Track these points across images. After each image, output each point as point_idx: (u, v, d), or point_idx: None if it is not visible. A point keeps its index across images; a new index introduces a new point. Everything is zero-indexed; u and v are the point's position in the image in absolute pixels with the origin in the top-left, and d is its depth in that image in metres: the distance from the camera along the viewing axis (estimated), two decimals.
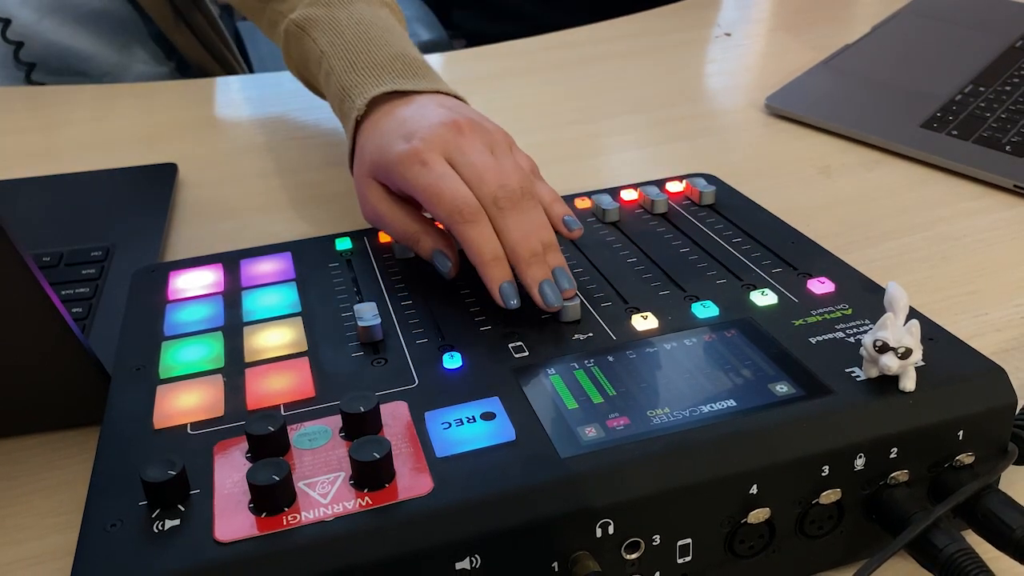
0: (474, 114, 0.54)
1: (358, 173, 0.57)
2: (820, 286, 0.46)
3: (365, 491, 0.35)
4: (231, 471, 0.36)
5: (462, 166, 0.49)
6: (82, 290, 0.58)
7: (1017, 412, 0.40)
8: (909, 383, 0.38)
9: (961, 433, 0.38)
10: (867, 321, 0.43)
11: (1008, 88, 0.84)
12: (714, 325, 0.44)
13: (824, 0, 1.17)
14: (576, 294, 0.46)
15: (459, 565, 0.34)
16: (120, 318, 0.48)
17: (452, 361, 0.42)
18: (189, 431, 0.39)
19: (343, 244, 0.54)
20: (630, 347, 0.42)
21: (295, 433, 0.38)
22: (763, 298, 0.46)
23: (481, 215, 0.47)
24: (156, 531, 0.34)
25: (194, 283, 0.51)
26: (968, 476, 0.38)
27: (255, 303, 0.49)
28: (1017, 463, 0.40)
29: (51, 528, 0.43)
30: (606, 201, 0.56)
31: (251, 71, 1.20)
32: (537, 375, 0.41)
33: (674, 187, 0.59)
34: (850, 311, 0.44)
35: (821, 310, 0.44)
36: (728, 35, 1.07)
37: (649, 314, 0.45)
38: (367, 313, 0.45)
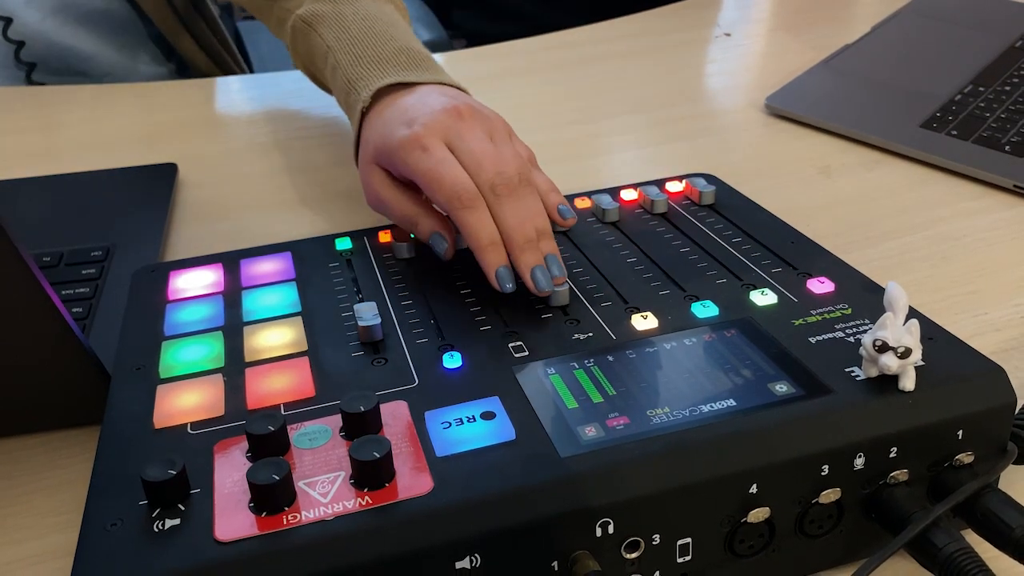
0: (475, 102, 0.55)
1: (362, 160, 0.58)
2: (820, 286, 0.46)
3: (365, 490, 0.35)
4: (231, 470, 0.36)
5: (461, 152, 0.50)
6: (82, 290, 0.58)
7: (1017, 412, 0.40)
8: (909, 383, 0.38)
9: (961, 433, 0.38)
10: (867, 321, 0.43)
11: (1008, 88, 0.84)
12: (714, 325, 0.44)
13: (824, 0, 1.17)
14: (566, 281, 0.48)
15: (459, 564, 0.34)
16: (120, 318, 0.49)
17: (452, 361, 0.42)
18: (189, 431, 0.39)
19: (343, 244, 0.54)
20: (630, 347, 0.42)
21: (295, 433, 0.38)
22: (763, 298, 0.46)
23: (479, 201, 0.48)
24: (156, 530, 0.34)
25: (194, 283, 0.51)
26: (968, 475, 0.38)
27: (255, 303, 0.49)
28: (1017, 462, 0.40)
29: (51, 528, 0.43)
30: (606, 201, 0.56)
31: (251, 71, 1.20)
32: (537, 375, 0.41)
33: (674, 187, 0.59)
34: (850, 311, 0.44)
35: (821, 310, 0.44)
36: (728, 35, 1.07)
37: (649, 314, 0.45)
38: (367, 313, 0.45)
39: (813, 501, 0.37)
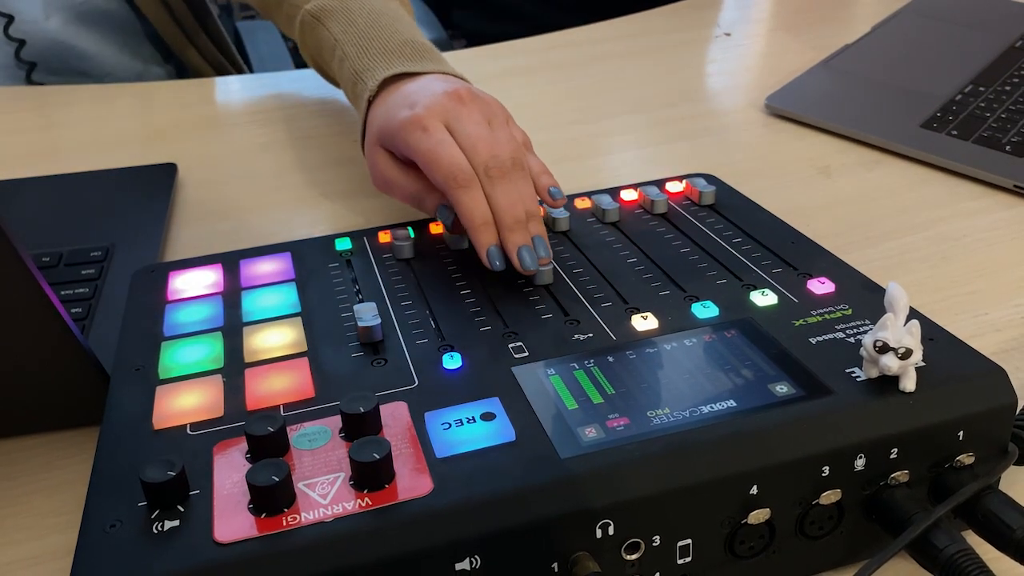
0: (475, 88, 0.57)
1: (368, 144, 0.61)
2: (820, 286, 0.46)
3: (365, 492, 0.35)
4: (231, 472, 0.36)
5: (459, 134, 0.53)
6: (82, 290, 0.58)
7: (1017, 412, 0.40)
8: (909, 383, 0.38)
9: (961, 433, 0.38)
10: (867, 321, 0.43)
11: (1008, 88, 0.83)
12: (714, 325, 0.44)
13: (824, 0, 1.16)
14: (551, 262, 0.50)
15: (459, 566, 0.34)
16: (119, 318, 0.48)
17: (452, 361, 0.42)
18: (188, 431, 0.39)
19: (343, 244, 0.54)
20: (630, 347, 0.42)
21: (295, 434, 0.38)
22: (763, 298, 0.46)
23: (474, 182, 0.51)
24: (155, 532, 0.34)
25: (194, 283, 0.51)
26: (968, 476, 0.38)
27: (255, 303, 0.49)
28: (1017, 463, 0.40)
29: (51, 528, 0.43)
30: (606, 201, 0.56)
31: (251, 71, 1.19)
32: (537, 375, 0.41)
33: (674, 187, 0.59)
34: (850, 311, 0.44)
35: (821, 310, 0.44)
36: (728, 35, 1.07)
37: (649, 314, 0.45)
38: (367, 313, 0.45)
39: (814, 502, 0.37)
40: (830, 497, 0.37)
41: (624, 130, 0.83)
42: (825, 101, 0.84)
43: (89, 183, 0.73)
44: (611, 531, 0.35)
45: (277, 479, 0.34)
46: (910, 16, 1.02)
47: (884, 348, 0.37)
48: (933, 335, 0.41)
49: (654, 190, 0.58)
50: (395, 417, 0.39)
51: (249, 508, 0.34)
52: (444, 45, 1.33)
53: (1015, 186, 0.69)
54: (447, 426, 0.38)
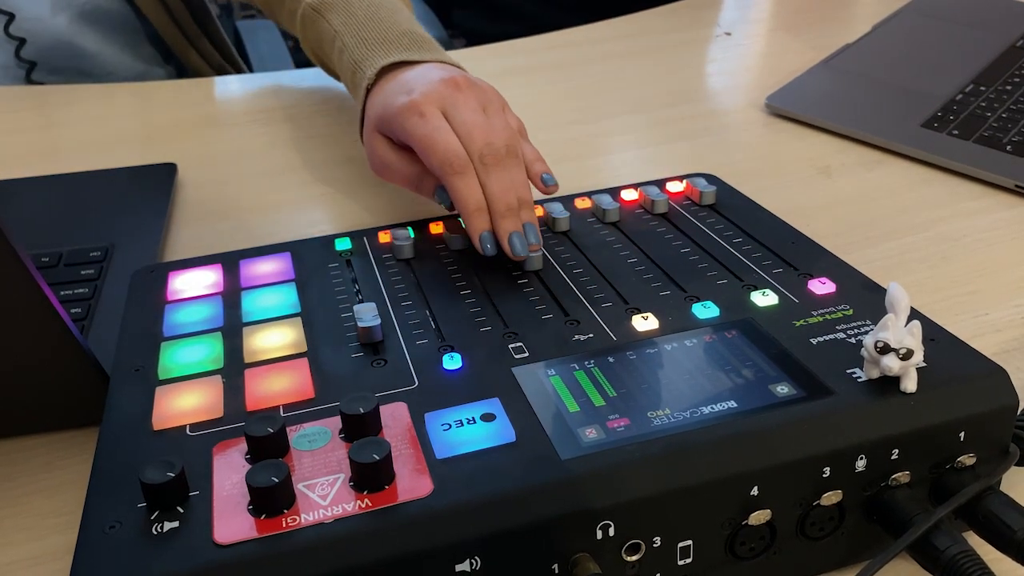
0: (472, 76, 0.59)
1: (366, 130, 0.62)
2: (821, 286, 0.46)
3: (365, 493, 0.35)
4: (230, 473, 0.36)
5: (455, 121, 0.54)
6: (81, 291, 0.58)
7: (1018, 413, 0.40)
8: (910, 384, 0.38)
9: (962, 434, 0.38)
10: (868, 322, 0.43)
11: (1009, 88, 0.83)
12: (715, 326, 0.44)
13: (824, 0, 1.16)
14: (541, 248, 0.51)
15: (459, 567, 0.34)
16: (119, 319, 0.48)
17: (452, 362, 0.42)
18: (188, 432, 0.39)
19: (343, 244, 0.54)
20: (630, 348, 0.42)
21: (295, 434, 0.38)
22: (764, 299, 0.46)
23: (469, 168, 0.52)
24: (155, 533, 0.34)
25: (193, 283, 0.51)
26: (969, 477, 0.38)
27: (254, 303, 0.49)
28: (1018, 464, 0.39)
29: (51, 529, 0.43)
30: (606, 201, 0.56)
31: (251, 71, 1.19)
32: (537, 376, 0.41)
33: (674, 187, 0.59)
34: (851, 312, 0.44)
35: (822, 311, 0.44)
36: (728, 35, 1.07)
37: (649, 315, 0.45)
38: (367, 314, 0.45)
39: (814, 503, 0.37)
40: (831, 498, 0.37)
41: (624, 130, 0.83)
42: (825, 101, 0.84)
43: (88, 183, 0.73)
44: (611, 532, 0.35)
45: (277, 480, 0.34)
46: (910, 16, 1.02)
47: (885, 349, 0.37)
48: (934, 336, 0.41)
49: (654, 190, 0.57)
50: (395, 418, 0.39)
51: (249, 509, 0.34)
52: (444, 45, 1.32)
53: (1016, 186, 0.69)
54: (447, 427, 0.38)
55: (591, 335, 0.44)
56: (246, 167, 0.78)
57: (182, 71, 1.09)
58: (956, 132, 0.76)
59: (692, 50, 1.04)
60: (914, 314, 0.42)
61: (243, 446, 0.37)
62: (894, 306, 0.38)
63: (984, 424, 0.38)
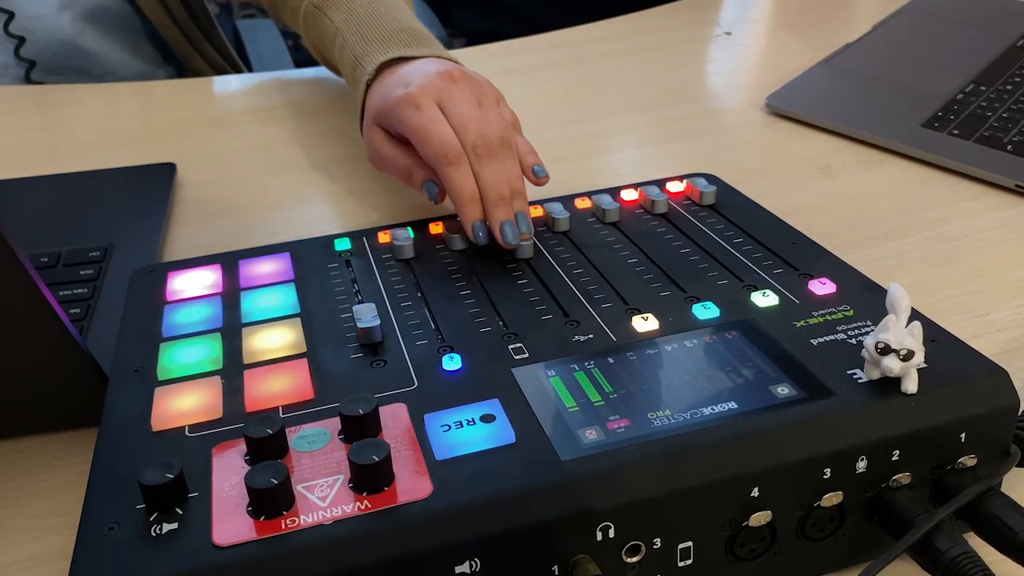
0: (468, 70, 0.59)
1: (365, 123, 0.63)
2: (821, 287, 0.46)
3: (364, 494, 0.34)
4: (229, 474, 0.36)
5: (450, 113, 0.55)
6: (80, 291, 0.58)
7: (1020, 414, 0.40)
8: (911, 385, 0.38)
9: (963, 435, 0.38)
10: (868, 322, 0.43)
11: (1009, 87, 0.83)
12: (715, 326, 0.44)
13: (824, 0, 1.16)
14: (531, 238, 0.52)
15: (459, 568, 0.33)
16: (118, 319, 0.48)
17: (452, 363, 0.42)
18: (187, 433, 0.39)
19: (342, 244, 0.54)
20: (630, 348, 0.42)
21: (294, 435, 0.38)
22: (764, 299, 0.46)
23: (463, 159, 0.53)
24: (154, 534, 0.33)
25: (192, 284, 0.51)
26: (970, 478, 0.38)
27: (254, 304, 0.49)
28: (1020, 465, 0.39)
29: (50, 530, 0.43)
30: (606, 201, 0.56)
31: (251, 71, 1.19)
32: (537, 377, 0.41)
33: (674, 187, 0.59)
34: (851, 312, 0.44)
35: (822, 311, 0.44)
36: (728, 34, 1.07)
37: (650, 315, 0.45)
38: (366, 314, 0.45)
39: (815, 504, 0.37)
40: (832, 499, 0.37)
41: (624, 130, 0.83)
42: (825, 100, 0.84)
43: (88, 183, 0.73)
44: (612, 533, 0.35)
45: (276, 481, 0.34)
46: (911, 15, 1.02)
47: (886, 349, 0.37)
48: (935, 336, 0.41)
49: (654, 190, 0.57)
50: (394, 419, 0.39)
51: (248, 511, 0.34)
52: (444, 44, 1.32)
53: (1016, 186, 0.69)
54: (447, 428, 0.38)
55: (591, 336, 0.44)
56: (246, 167, 0.78)
57: (182, 71, 1.09)
58: (956, 132, 0.76)
59: (692, 50, 1.04)
60: (915, 314, 0.42)
61: (242, 447, 0.37)
62: (895, 307, 0.38)
63: (985, 425, 0.38)
